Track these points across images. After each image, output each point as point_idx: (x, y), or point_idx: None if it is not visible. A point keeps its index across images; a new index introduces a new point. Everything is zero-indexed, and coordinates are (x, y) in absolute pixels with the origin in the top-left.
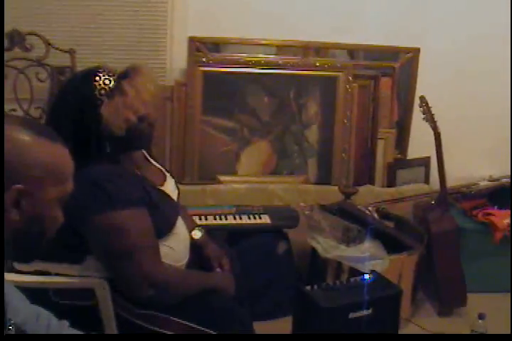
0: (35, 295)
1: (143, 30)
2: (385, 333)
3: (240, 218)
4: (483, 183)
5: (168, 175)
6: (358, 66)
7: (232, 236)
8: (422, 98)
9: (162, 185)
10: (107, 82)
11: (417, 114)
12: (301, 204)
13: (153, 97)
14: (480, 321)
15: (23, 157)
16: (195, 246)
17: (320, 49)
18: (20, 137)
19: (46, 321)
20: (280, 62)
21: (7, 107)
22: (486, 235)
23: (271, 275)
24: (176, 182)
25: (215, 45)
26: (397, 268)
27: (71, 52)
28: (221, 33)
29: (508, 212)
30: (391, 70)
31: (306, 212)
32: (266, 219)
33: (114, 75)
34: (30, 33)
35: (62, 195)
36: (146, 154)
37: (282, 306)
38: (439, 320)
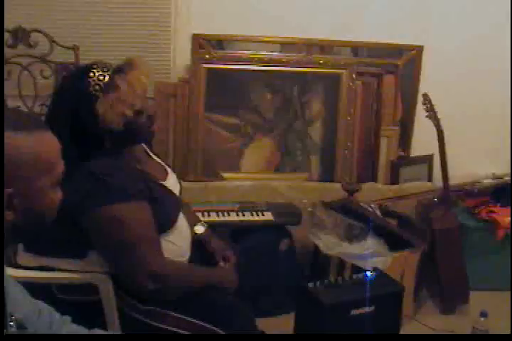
0: (38, 290)
1: (147, 27)
2: (384, 333)
3: (243, 215)
4: (487, 181)
5: (169, 170)
6: (362, 63)
7: (235, 233)
8: (425, 95)
9: (164, 180)
10: (101, 77)
11: (421, 112)
12: (304, 201)
13: (146, 90)
14: (482, 319)
15: (6, 159)
16: (197, 241)
17: (323, 46)
18: None
19: (48, 317)
20: (284, 59)
21: (11, 104)
22: (489, 233)
23: (273, 271)
24: (178, 178)
25: (219, 42)
26: (399, 265)
27: (75, 48)
28: (225, 30)
29: None
30: (394, 68)
31: (309, 209)
32: (269, 216)
33: (108, 70)
34: (34, 30)
35: (55, 179)
36: (147, 149)
37: (285, 303)
38: (442, 318)
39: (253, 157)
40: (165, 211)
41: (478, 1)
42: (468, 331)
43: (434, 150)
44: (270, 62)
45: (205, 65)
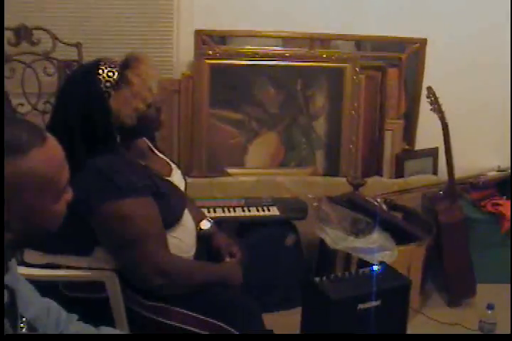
0: (45, 288)
1: (149, 23)
2: (391, 327)
3: (249, 210)
4: (492, 174)
5: (174, 166)
6: (365, 57)
7: (241, 228)
8: (430, 89)
9: (169, 175)
10: (110, 74)
11: (425, 105)
12: (310, 195)
13: (157, 83)
14: (489, 311)
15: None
16: (203, 237)
17: (326, 40)
18: None
19: (56, 315)
20: (287, 54)
21: (15, 101)
22: (495, 225)
23: (280, 266)
24: (183, 174)
25: (222, 38)
26: (405, 259)
27: (78, 46)
28: (227, 25)
29: None
30: (398, 61)
31: (315, 204)
32: (274, 211)
33: (115, 66)
34: (37, 28)
35: (59, 191)
36: (150, 145)
37: (291, 298)
38: (448, 311)
39: (258, 152)
40: (170, 207)
41: None
42: (475, 324)
43: (439, 143)
44: (273, 56)
45: (208, 61)
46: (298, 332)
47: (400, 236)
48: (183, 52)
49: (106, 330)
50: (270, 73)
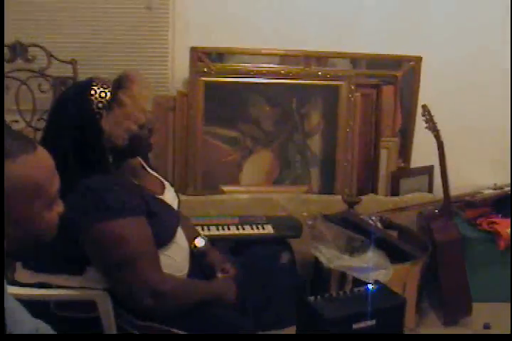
0: (36, 307)
1: (144, 40)
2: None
3: (243, 228)
4: (487, 192)
5: (167, 183)
6: (360, 75)
7: (235, 247)
8: (425, 107)
9: (161, 194)
10: (102, 94)
11: (420, 123)
12: (304, 214)
13: (149, 104)
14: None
15: None
16: (197, 254)
17: (322, 58)
18: None
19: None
20: (282, 71)
21: (9, 118)
22: (491, 244)
23: (274, 285)
24: (176, 191)
25: (217, 55)
26: (401, 277)
27: (73, 63)
28: (222, 42)
29: None
30: (393, 79)
31: (309, 222)
32: (269, 229)
33: (108, 87)
34: (32, 45)
35: (50, 199)
36: (143, 163)
37: (285, 316)
38: (444, 330)
39: (252, 170)
40: (163, 225)
41: (477, 12)
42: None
43: (434, 161)
44: (268, 74)
45: (203, 78)
46: None
47: (395, 254)
48: (178, 70)
49: None
50: (265, 91)
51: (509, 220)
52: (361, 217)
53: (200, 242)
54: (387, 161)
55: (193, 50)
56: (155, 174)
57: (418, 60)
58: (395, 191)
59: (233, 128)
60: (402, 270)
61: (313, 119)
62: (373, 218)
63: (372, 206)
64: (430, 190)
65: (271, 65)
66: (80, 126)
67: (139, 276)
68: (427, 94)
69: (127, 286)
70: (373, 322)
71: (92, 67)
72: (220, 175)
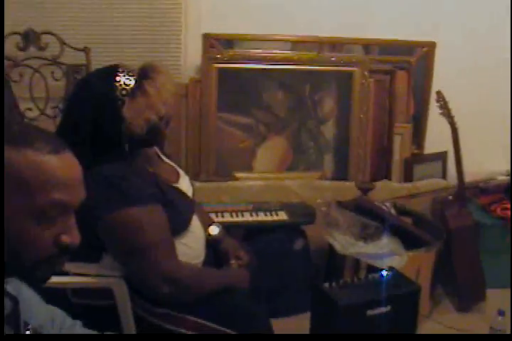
0: (54, 295)
1: (157, 27)
2: (400, 333)
3: (257, 215)
4: (501, 178)
5: (181, 172)
6: (374, 61)
7: (249, 233)
8: (439, 93)
9: (176, 182)
10: (127, 82)
11: (434, 109)
12: (318, 200)
13: (172, 97)
14: (499, 318)
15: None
16: (211, 243)
17: (335, 44)
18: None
19: (60, 323)
20: (295, 57)
21: (23, 106)
22: (504, 230)
23: (288, 271)
24: (191, 180)
25: (229, 42)
26: (415, 264)
27: (86, 50)
28: (235, 29)
29: None
30: (407, 65)
31: (323, 209)
32: (283, 216)
33: (133, 75)
34: (44, 32)
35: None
36: (158, 152)
37: (300, 303)
38: (458, 316)
39: (266, 156)
40: (178, 213)
41: None
42: (485, 329)
43: (448, 147)
44: (282, 60)
45: (216, 65)
46: None
47: (410, 241)
48: (191, 57)
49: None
50: (278, 77)
51: None
52: (375, 203)
53: (214, 230)
54: (400, 147)
55: (206, 36)
56: (170, 162)
57: (431, 45)
58: (408, 177)
59: (246, 115)
60: (416, 256)
61: (326, 105)
62: (387, 204)
63: (386, 192)
64: (444, 176)
65: (284, 51)
66: (101, 111)
67: (154, 263)
68: (440, 79)
69: (143, 273)
70: (388, 308)
71: (105, 54)
72: (234, 161)
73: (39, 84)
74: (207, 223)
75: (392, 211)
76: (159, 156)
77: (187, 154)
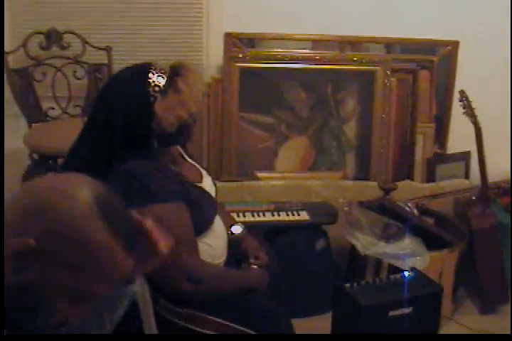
0: None
1: (179, 26)
2: (422, 334)
3: (278, 215)
4: None
5: (204, 172)
6: (396, 60)
7: (270, 233)
8: (463, 92)
9: (199, 182)
10: (160, 79)
11: (457, 108)
12: (340, 200)
13: (202, 95)
14: None
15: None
16: (233, 242)
17: (356, 43)
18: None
19: None
20: (317, 57)
21: (46, 105)
22: None
23: (309, 271)
24: (213, 180)
25: (250, 41)
26: (437, 265)
27: (107, 49)
28: (257, 28)
29: None
30: (429, 64)
31: (345, 208)
32: (304, 216)
33: (165, 72)
34: (67, 32)
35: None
36: (181, 151)
37: (321, 303)
38: (481, 318)
39: (288, 156)
40: (202, 213)
41: None
42: (508, 331)
43: (471, 147)
44: (304, 59)
45: (238, 64)
46: None
47: (432, 241)
48: (213, 56)
49: None
50: (300, 76)
51: None
52: (397, 203)
53: (236, 229)
54: (423, 147)
55: (227, 35)
56: (193, 162)
57: (455, 44)
58: (431, 177)
59: (268, 114)
60: (439, 257)
61: (348, 105)
62: (409, 204)
63: (408, 192)
64: (467, 176)
65: (305, 51)
66: (132, 107)
67: (177, 262)
68: (463, 78)
69: (165, 271)
70: (410, 309)
71: (127, 53)
72: (255, 161)
73: (61, 83)
74: (229, 223)
75: (415, 211)
76: (183, 156)
77: (209, 154)
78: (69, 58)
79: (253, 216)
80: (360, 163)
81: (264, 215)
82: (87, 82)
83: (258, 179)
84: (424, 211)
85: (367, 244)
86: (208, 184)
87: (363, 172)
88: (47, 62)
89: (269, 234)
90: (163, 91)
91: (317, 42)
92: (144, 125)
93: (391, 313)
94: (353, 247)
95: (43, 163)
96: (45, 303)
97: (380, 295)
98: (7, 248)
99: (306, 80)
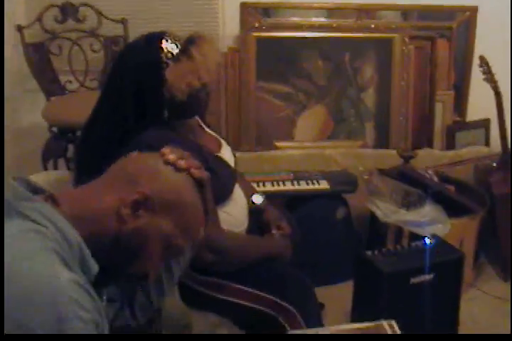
0: None
1: None
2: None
3: (298, 184)
4: None
5: (223, 142)
6: (413, 27)
7: (291, 203)
8: (483, 58)
9: (218, 151)
10: (173, 46)
11: (476, 75)
12: (360, 168)
13: (216, 66)
14: None
15: (169, 184)
16: (254, 212)
17: (373, 10)
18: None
19: None
20: (334, 25)
21: (63, 79)
22: None
23: (330, 240)
24: (232, 150)
25: (266, 10)
26: (458, 232)
27: (123, 21)
28: None
29: None
30: (448, 31)
31: (365, 177)
32: (324, 185)
33: (179, 41)
34: (82, 4)
35: (176, 245)
36: (200, 122)
37: (342, 271)
38: (502, 285)
39: (306, 125)
40: (221, 182)
41: None
42: None
43: (490, 114)
44: (320, 28)
45: (254, 34)
46: (350, 305)
47: (453, 208)
48: (229, 26)
49: None
50: (317, 45)
51: None
52: (418, 171)
53: (257, 199)
54: (442, 115)
55: (244, 5)
56: (212, 132)
57: (473, 10)
58: (450, 145)
59: (286, 84)
60: (460, 224)
61: (366, 73)
62: (429, 172)
63: (428, 160)
64: (486, 143)
65: (322, 19)
66: (144, 73)
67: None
68: (482, 45)
69: None
70: (431, 276)
71: (143, 25)
72: (274, 130)
73: (78, 57)
74: (249, 192)
75: (435, 178)
76: (201, 126)
77: (227, 124)
78: (85, 31)
79: (273, 185)
80: (380, 132)
81: (284, 184)
82: (103, 55)
83: (277, 148)
84: (444, 178)
85: (387, 211)
86: (226, 154)
87: (382, 141)
88: (63, 35)
89: (289, 203)
90: (176, 58)
91: (333, 11)
92: (155, 92)
93: (413, 280)
94: (373, 215)
95: (62, 136)
96: (142, 251)
97: (401, 263)
98: (129, 197)
99: (323, 49)
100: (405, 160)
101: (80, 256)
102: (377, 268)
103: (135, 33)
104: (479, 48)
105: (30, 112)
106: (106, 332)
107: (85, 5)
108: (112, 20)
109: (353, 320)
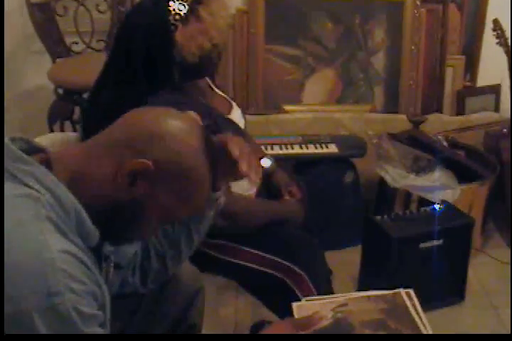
0: None
1: None
2: (453, 265)
3: (307, 147)
4: None
5: (234, 104)
6: None
7: (299, 166)
8: (496, 21)
9: (229, 113)
10: (181, 7)
11: (487, 40)
12: (370, 132)
13: (227, 26)
14: None
15: (176, 147)
16: (264, 174)
17: None
18: (191, 138)
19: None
20: None
21: (69, 40)
22: None
23: (338, 204)
24: (243, 112)
25: None
26: (467, 198)
27: None
28: None
29: None
30: None
31: (374, 141)
32: (333, 149)
33: (187, 1)
34: None
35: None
36: (210, 83)
37: (350, 236)
38: (509, 251)
39: (315, 88)
40: None
41: None
42: None
43: (501, 80)
44: None
45: None
46: (357, 271)
47: (463, 174)
48: None
49: None
50: (327, 7)
51: None
52: (428, 135)
53: (266, 162)
54: (452, 79)
55: None
56: (222, 94)
57: None
58: (460, 110)
59: (295, 46)
60: (469, 190)
61: (376, 36)
62: (439, 138)
63: (438, 125)
64: (497, 109)
65: None
66: (153, 36)
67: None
68: (495, 8)
69: None
70: (440, 241)
71: None
72: (282, 94)
73: (84, 18)
74: (258, 155)
75: (445, 144)
76: (211, 88)
77: (234, 87)
78: None
79: (281, 149)
80: (389, 96)
81: (292, 148)
82: (110, 16)
83: (285, 112)
84: (453, 144)
85: (397, 176)
86: (237, 115)
87: (391, 105)
88: None
89: (297, 166)
90: (184, 19)
91: None
92: (165, 55)
93: (422, 245)
94: (382, 180)
95: (68, 97)
96: (139, 218)
97: (410, 227)
98: (127, 166)
99: (333, 11)
100: (415, 125)
101: (77, 222)
102: (387, 233)
103: None
104: (491, 12)
105: (35, 74)
106: (107, 304)
107: None
108: None
109: (361, 285)
